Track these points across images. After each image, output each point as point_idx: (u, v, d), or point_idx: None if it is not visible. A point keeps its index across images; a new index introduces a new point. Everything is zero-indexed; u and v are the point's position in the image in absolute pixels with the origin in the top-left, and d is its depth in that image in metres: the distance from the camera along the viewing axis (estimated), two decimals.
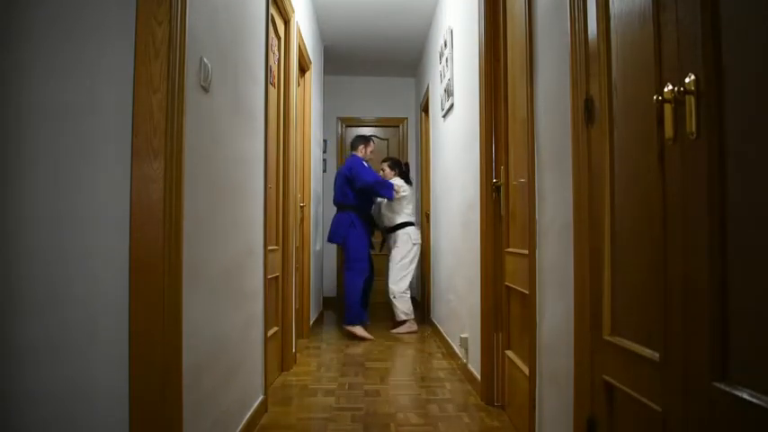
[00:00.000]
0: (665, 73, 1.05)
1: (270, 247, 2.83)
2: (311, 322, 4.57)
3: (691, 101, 0.93)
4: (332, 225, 4.80)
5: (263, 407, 2.52)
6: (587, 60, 1.46)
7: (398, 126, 6.80)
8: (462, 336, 3.26)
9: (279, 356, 3.24)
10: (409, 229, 4.78)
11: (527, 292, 2.06)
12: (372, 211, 4.94)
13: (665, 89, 1.00)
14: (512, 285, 2.45)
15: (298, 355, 3.70)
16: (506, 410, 2.55)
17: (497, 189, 2.64)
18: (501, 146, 2.62)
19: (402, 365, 3.53)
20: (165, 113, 1.41)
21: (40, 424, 1.35)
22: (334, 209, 4.88)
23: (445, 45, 3.95)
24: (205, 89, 1.72)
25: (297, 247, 3.95)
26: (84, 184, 1.39)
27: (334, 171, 6.42)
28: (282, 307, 3.29)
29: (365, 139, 4.94)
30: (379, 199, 4.88)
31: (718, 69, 0.90)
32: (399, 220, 4.79)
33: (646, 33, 1.14)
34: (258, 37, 2.50)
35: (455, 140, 3.67)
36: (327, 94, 6.17)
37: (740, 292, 0.86)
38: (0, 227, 1.36)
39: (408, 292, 4.74)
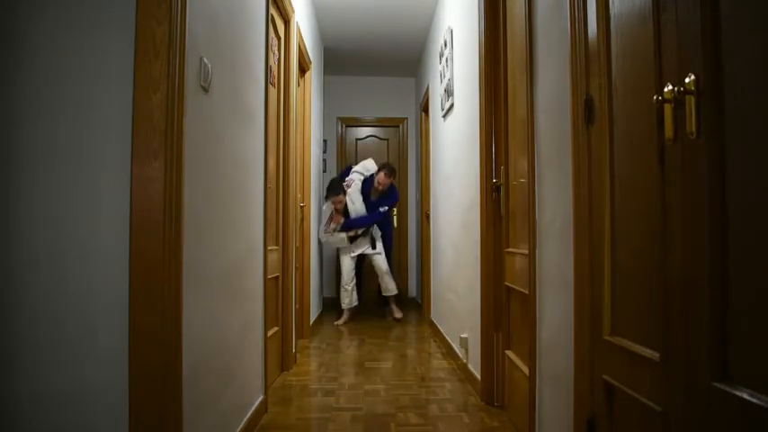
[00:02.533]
0: (665, 73, 1.05)
1: (270, 247, 2.83)
2: (311, 322, 4.57)
3: (691, 101, 0.93)
4: None
5: (263, 407, 2.52)
6: (587, 60, 1.46)
7: (398, 126, 6.80)
8: (462, 336, 3.26)
9: (279, 356, 3.24)
10: None
11: (527, 292, 2.06)
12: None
13: (665, 89, 1.00)
14: (512, 285, 2.45)
15: (298, 355, 3.70)
16: (506, 410, 2.55)
17: (497, 189, 2.64)
18: (501, 146, 2.62)
19: (402, 365, 3.53)
20: (165, 113, 1.41)
21: (39, 425, 1.35)
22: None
23: (445, 45, 3.95)
24: (205, 89, 1.72)
25: (297, 247, 3.95)
26: (84, 184, 1.39)
27: (335, 171, 6.45)
28: (282, 307, 3.29)
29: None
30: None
31: (718, 69, 0.90)
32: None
33: (646, 33, 1.14)
34: (258, 37, 2.50)
35: (455, 140, 3.67)
36: (327, 94, 6.17)
37: (740, 291, 0.86)
38: (0, 227, 1.36)
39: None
